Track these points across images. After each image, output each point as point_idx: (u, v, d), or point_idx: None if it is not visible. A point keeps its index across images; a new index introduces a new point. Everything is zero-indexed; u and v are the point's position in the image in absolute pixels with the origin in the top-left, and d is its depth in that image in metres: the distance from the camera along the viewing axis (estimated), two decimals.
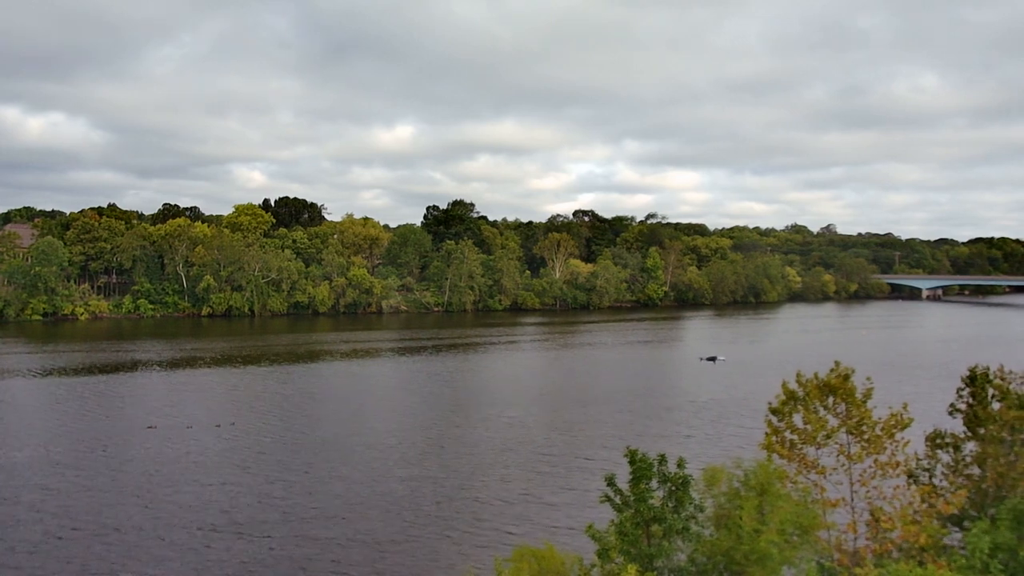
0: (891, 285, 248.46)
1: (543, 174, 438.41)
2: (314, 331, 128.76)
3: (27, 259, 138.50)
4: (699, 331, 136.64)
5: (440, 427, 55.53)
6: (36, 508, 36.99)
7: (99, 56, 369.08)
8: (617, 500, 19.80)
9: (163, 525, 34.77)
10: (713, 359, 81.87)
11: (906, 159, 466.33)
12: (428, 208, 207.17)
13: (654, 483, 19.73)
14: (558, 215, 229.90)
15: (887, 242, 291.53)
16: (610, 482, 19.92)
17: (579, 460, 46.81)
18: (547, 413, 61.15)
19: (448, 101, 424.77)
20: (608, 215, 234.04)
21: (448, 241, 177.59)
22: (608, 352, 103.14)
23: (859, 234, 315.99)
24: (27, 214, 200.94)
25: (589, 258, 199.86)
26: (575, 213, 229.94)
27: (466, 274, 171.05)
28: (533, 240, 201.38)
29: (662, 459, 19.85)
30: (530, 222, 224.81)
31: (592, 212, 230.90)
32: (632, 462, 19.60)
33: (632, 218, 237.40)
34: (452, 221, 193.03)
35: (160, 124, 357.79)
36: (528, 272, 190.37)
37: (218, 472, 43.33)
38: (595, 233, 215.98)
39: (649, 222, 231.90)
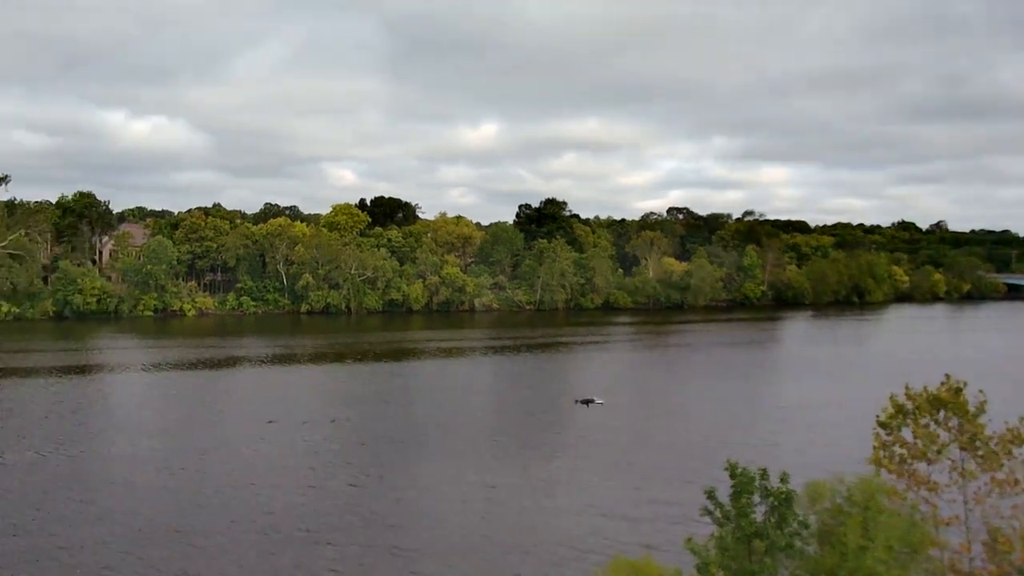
0: (1008, 285, 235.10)
1: (630, 170, 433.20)
2: (408, 328, 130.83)
3: (139, 258, 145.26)
4: (800, 332, 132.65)
5: (531, 430, 55.38)
6: (141, 499, 38.56)
7: (196, 63, 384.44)
8: (717, 514, 19.25)
9: (259, 523, 35.69)
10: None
11: (1017, 151, 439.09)
12: (520, 207, 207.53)
13: (756, 497, 19.09)
14: (651, 213, 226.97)
15: (1003, 239, 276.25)
16: (710, 495, 19.37)
17: (666, 470, 45.87)
18: (638, 416, 60.34)
19: (530, 99, 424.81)
20: (699, 211, 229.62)
21: (540, 239, 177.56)
22: (703, 353, 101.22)
23: (972, 231, 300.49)
24: (139, 214, 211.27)
25: (683, 256, 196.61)
26: (669, 210, 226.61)
27: (558, 272, 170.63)
28: (625, 238, 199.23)
29: (763, 473, 19.18)
30: (623, 220, 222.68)
31: (687, 209, 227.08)
32: (733, 475, 19.01)
33: (728, 215, 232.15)
34: (544, 219, 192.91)
35: (253, 126, 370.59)
36: (620, 270, 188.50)
37: (325, 470, 44.23)
38: (690, 231, 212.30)
39: (746, 219, 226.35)
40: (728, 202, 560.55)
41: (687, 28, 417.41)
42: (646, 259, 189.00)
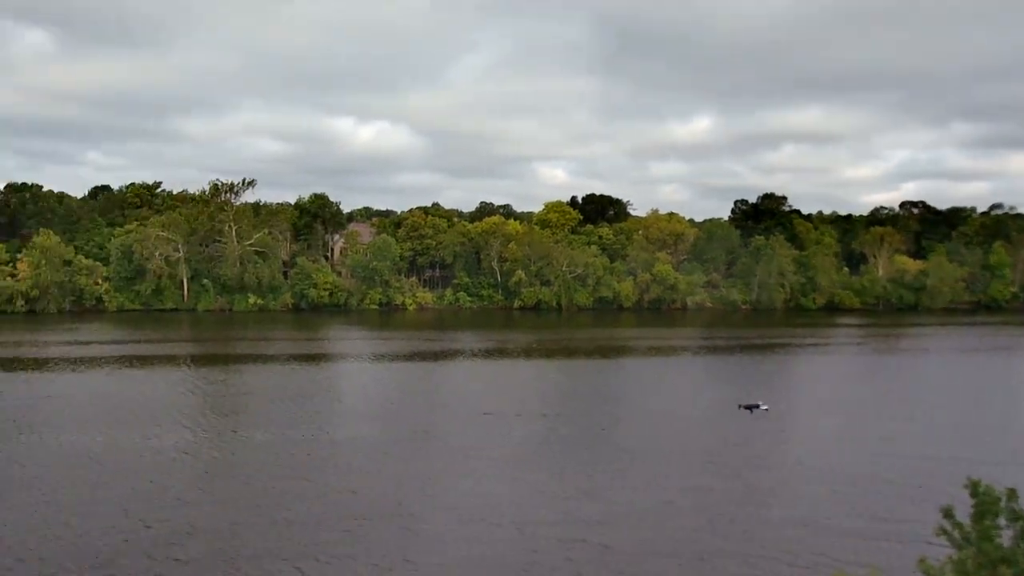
0: None
1: (855, 162, 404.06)
2: (618, 326, 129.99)
3: (366, 255, 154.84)
4: None
5: (736, 434, 52.70)
6: (359, 482, 40.43)
7: (415, 71, 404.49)
8: (956, 535, 16.90)
9: (457, 511, 36.26)
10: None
11: None
12: (736, 202, 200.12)
13: (1001, 520, 16.56)
14: (881, 207, 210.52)
15: None
16: (947, 514, 17.05)
17: (890, 484, 41.81)
18: (859, 423, 55.76)
19: (742, 91, 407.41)
20: (937, 205, 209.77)
21: (757, 236, 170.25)
22: (940, 358, 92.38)
23: None
24: (366, 214, 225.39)
25: (918, 254, 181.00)
26: (902, 204, 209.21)
27: (776, 271, 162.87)
28: (852, 234, 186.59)
29: (1011, 494, 16.59)
30: (849, 215, 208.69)
31: (923, 203, 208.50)
32: (974, 494, 16.58)
33: (971, 209, 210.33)
34: (762, 215, 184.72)
35: (468, 128, 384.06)
36: (846, 269, 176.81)
37: (533, 463, 44.52)
38: (925, 226, 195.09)
39: (993, 213, 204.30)
40: (971, 194, 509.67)
41: (906, 12, 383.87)
42: (875, 257, 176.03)
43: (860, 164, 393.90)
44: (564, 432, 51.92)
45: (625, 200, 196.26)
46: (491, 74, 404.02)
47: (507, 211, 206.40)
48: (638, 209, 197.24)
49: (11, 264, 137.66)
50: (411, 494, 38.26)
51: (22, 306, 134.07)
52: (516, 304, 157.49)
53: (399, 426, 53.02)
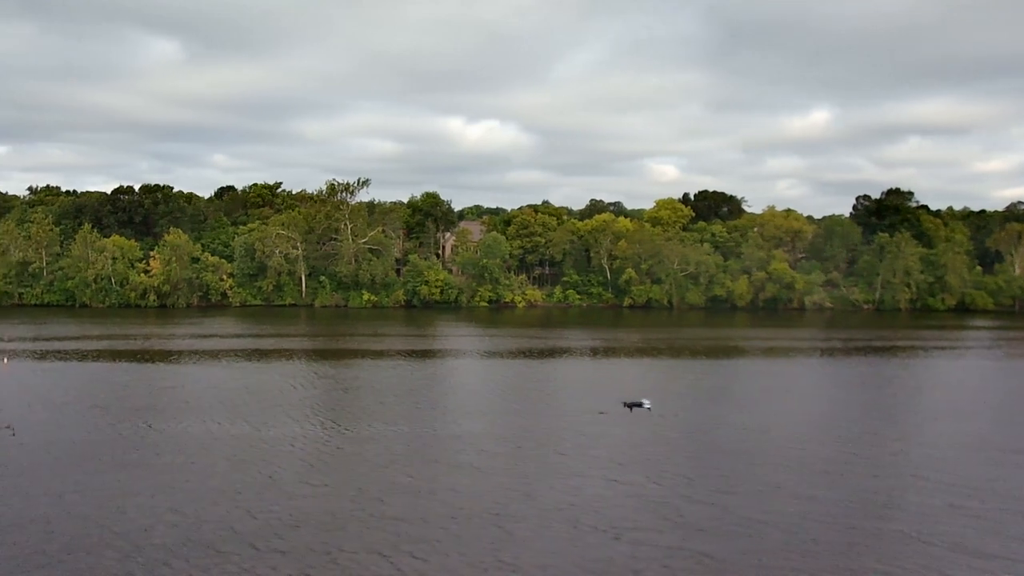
0: None
1: (988, 155, 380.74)
2: (731, 326, 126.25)
3: (476, 252, 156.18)
4: None
5: (858, 442, 49.75)
6: (459, 479, 40.17)
7: (523, 69, 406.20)
8: None
9: (548, 513, 35.45)
10: None
11: None
12: (857, 198, 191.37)
13: None
14: (1019, 202, 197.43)
15: None
16: None
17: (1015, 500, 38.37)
18: (984, 431, 51.73)
19: (863, 81, 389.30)
20: None
21: (881, 233, 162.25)
22: None
23: None
24: (476, 212, 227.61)
25: None
26: None
27: (901, 270, 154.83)
28: (986, 231, 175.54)
29: None
30: (982, 211, 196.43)
31: None
32: None
33: None
34: (886, 211, 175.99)
35: (576, 125, 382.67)
36: (979, 268, 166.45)
37: (637, 465, 43.33)
38: None
39: None
40: None
41: None
42: (1011, 255, 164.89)
43: (993, 156, 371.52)
44: (672, 434, 50.35)
45: (739, 196, 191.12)
46: (599, 70, 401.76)
47: (617, 208, 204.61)
48: (752, 206, 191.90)
49: (144, 261, 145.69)
50: (511, 494, 37.72)
51: (154, 301, 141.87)
52: (626, 302, 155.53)
53: (505, 424, 52.68)
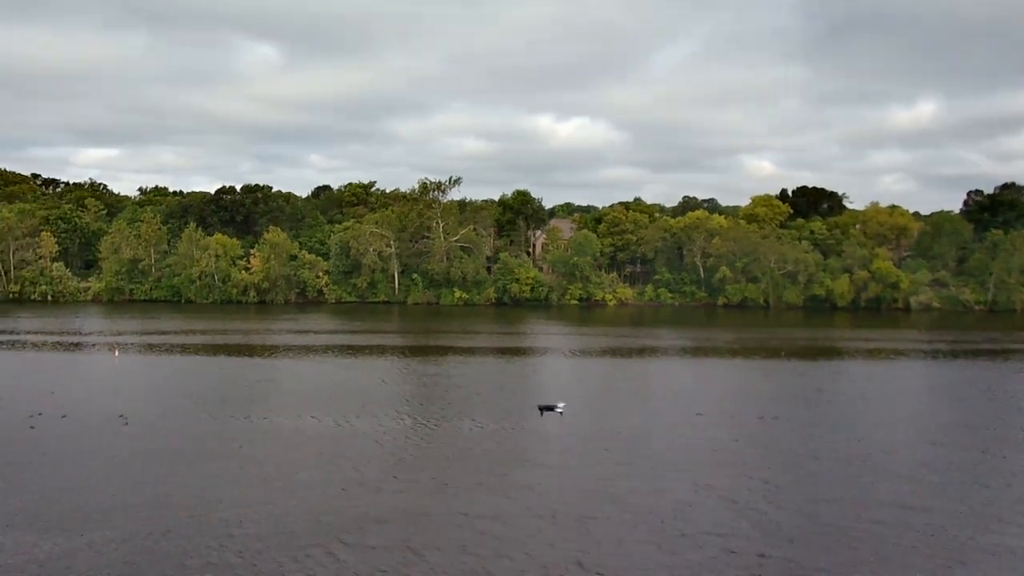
0: None
1: None
2: (831, 326, 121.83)
3: (567, 250, 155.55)
4: None
5: (962, 449, 46.97)
6: (548, 479, 39.74)
7: (614, 65, 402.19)
8: None
9: (643, 518, 34.59)
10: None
11: None
12: (969, 193, 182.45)
13: None
14: None
15: None
16: None
17: None
18: None
19: (975, 71, 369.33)
20: None
21: (994, 230, 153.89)
22: None
23: None
24: (567, 209, 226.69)
25: None
26: None
27: (1017, 269, 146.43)
28: None
29: None
30: None
31: None
32: None
33: None
34: (1000, 207, 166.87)
35: (668, 121, 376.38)
36: None
37: (737, 469, 42.09)
38: None
39: None
40: None
41: None
42: None
43: None
44: (764, 438, 48.69)
45: (840, 192, 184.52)
46: (692, 65, 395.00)
47: (711, 205, 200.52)
48: (854, 202, 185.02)
49: (245, 259, 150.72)
50: (596, 495, 37.08)
51: (254, 297, 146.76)
52: (720, 301, 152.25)
53: (593, 423, 52.00)
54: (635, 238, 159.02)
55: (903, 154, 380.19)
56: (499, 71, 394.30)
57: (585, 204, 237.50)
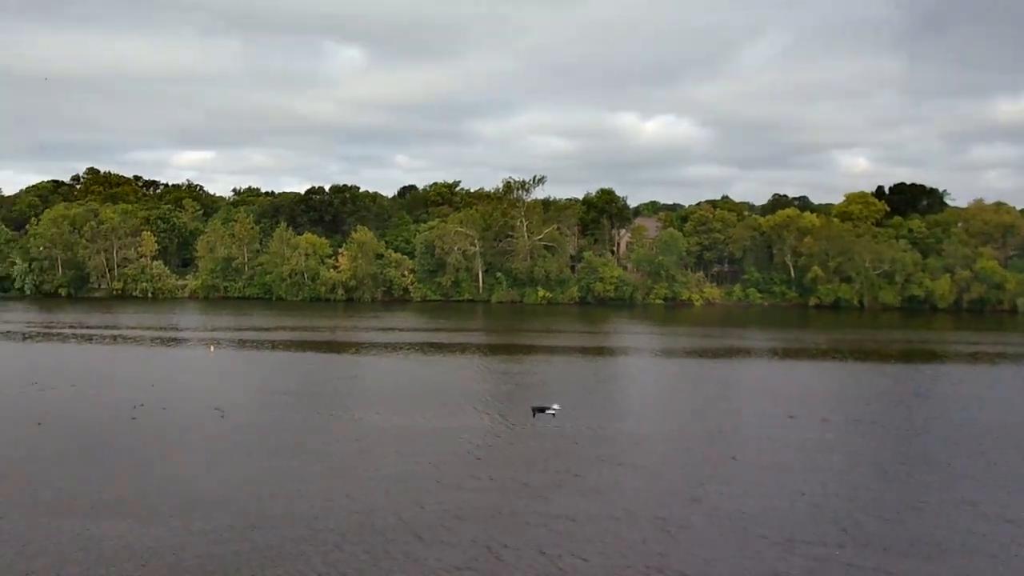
0: None
1: None
2: (931, 328, 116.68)
3: (652, 249, 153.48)
4: None
5: None
6: (638, 480, 39.11)
7: (698, 61, 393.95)
8: None
9: (721, 521, 33.61)
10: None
11: None
12: None
13: None
14: None
15: None
16: None
17: None
18: None
19: None
20: None
21: None
22: None
23: None
24: (652, 208, 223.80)
25: None
26: None
27: None
28: None
29: None
30: None
31: None
32: None
33: None
34: None
35: (757, 117, 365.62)
36: None
37: (822, 472, 40.68)
38: None
39: None
40: None
41: None
42: None
43: None
44: (856, 441, 46.84)
45: (940, 189, 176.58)
46: (780, 59, 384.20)
47: (803, 203, 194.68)
48: (956, 199, 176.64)
49: (334, 257, 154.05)
50: (678, 497, 36.32)
51: (342, 295, 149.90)
52: (812, 302, 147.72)
53: (677, 424, 51.07)
54: (723, 237, 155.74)
55: (1010, 148, 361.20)
56: (582, 70, 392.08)
57: (671, 202, 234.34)
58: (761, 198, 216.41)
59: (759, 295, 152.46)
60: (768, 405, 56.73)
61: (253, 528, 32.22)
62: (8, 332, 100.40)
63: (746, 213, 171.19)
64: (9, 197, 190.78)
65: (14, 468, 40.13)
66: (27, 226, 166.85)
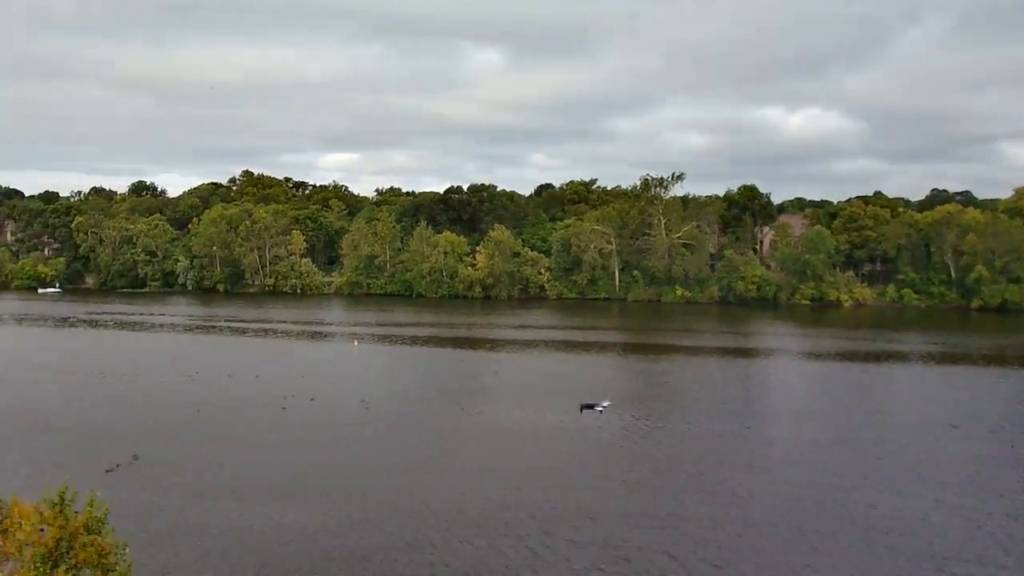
0: None
1: None
2: None
3: (797, 247, 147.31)
4: None
5: None
6: (764, 485, 37.48)
7: (847, 51, 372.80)
8: None
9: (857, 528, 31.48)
10: None
11: None
12: None
13: None
14: None
15: None
16: None
17: None
18: None
19: None
20: None
21: None
22: None
23: None
24: (798, 204, 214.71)
25: None
26: None
27: None
28: None
29: None
30: None
31: None
32: None
33: None
34: None
35: (912, 107, 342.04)
36: None
37: (976, 485, 37.72)
38: None
39: None
40: None
41: None
42: None
43: None
44: (1022, 454, 43.11)
45: None
46: (939, 45, 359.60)
47: (965, 198, 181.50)
48: None
49: (471, 255, 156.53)
50: (820, 506, 34.46)
51: (479, 292, 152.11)
52: (974, 303, 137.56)
53: (822, 429, 48.66)
54: (875, 234, 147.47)
55: None
56: (723, 63, 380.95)
57: (818, 199, 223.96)
58: (917, 193, 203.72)
59: (915, 296, 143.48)
60: (927, 413, 53.11)
61: (388, 518, 32.96)
62: (172, 324, 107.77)
63: (901, 209, 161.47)
64: (174, 199, 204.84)
65: (174, 452, 42.81)
66: (189, 226, 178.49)
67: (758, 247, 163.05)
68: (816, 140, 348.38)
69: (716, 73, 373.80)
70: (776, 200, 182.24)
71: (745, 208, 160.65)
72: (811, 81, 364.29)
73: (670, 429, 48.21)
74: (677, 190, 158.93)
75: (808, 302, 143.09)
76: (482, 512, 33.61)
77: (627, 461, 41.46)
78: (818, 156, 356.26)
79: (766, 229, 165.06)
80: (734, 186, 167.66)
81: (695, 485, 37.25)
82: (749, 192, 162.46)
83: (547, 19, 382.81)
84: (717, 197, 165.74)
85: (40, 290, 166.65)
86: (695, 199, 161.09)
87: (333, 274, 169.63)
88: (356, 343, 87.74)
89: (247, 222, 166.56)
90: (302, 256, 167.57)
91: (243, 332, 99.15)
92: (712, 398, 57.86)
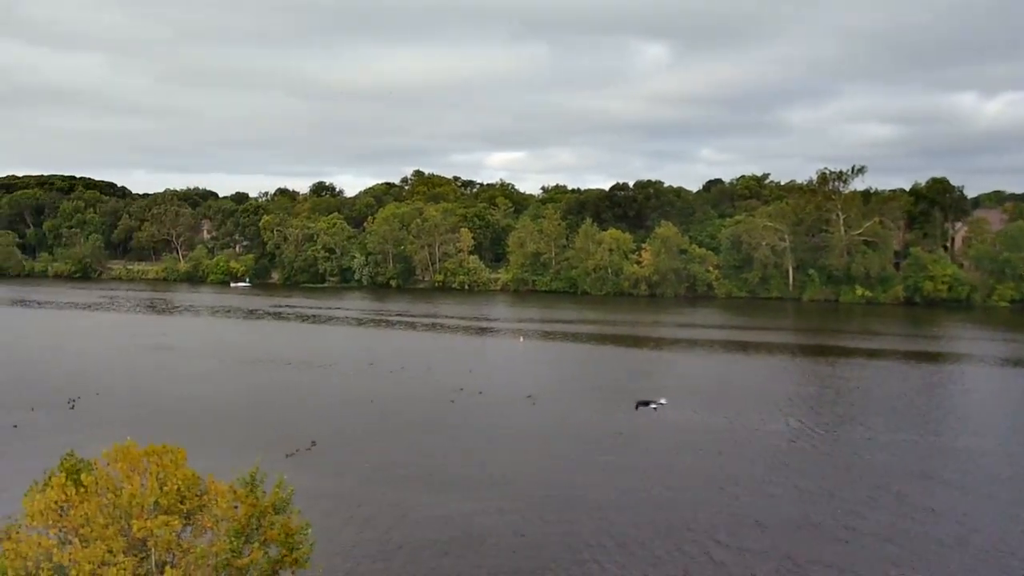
0: None
1: None
2: None
3: (995, 244, 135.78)
4: None
5: None
6: (954, 500, 34.74)
7: None
8: None
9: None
10: None
11: None
12: None
13: None
14: None
15: None
16: None
17: None
18: None
19: None
20: None
21: None
22: None
23: None
24: (995, 198, 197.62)
25: None
26: None
27: None
28: None
29: None
30: None
31: None
32: None
33: None
34: None
35: None
36: None
37: None
38: None
39: None
40: None
41: None
42: None
43: None
44: None
45: None
46: None
47: None
48: None
49: (637, 252, 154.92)
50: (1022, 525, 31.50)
51: (644, 290, 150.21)
52: None
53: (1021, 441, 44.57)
54: None
55: None
56: (905, 48, 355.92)
57: (1020, 191, 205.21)
58: None
59: None
60: None
61: (553, 513, 33.20)
62: (348, 318, 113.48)
63: None
64: (350, 199, 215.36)
65: (349, 440, 45.02)
66: (364, 224, 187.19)
67: (949, 244, 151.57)
68: (1017, 128, 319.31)
69: (898, 59, 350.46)
70: (970, 193, 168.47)
71: (934, 202, 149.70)
72: (1009, 63, 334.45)
73: (844, 435, 45.77)
74: (857, 184, 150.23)
75: (1007, 304, 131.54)
76: (642, 512, 33.33)
77: (800, 468, 39.70)
78: (1019, 145, 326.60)
79: (958, 225, 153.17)
80: (921, 179, 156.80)
81: (875, 497, 35.17)
82: (939, 185, 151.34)
83: (716, 10, 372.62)
84: (902, 191, 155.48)
85: (232, 284, 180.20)
86: (877, 193, 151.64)
87: (499, 271, 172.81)
88: (521, 339, 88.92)
89: (418, 220, 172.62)
90: (470, 253, 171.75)
91: (414, 327, 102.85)
92: (893, 404, 54.29)
